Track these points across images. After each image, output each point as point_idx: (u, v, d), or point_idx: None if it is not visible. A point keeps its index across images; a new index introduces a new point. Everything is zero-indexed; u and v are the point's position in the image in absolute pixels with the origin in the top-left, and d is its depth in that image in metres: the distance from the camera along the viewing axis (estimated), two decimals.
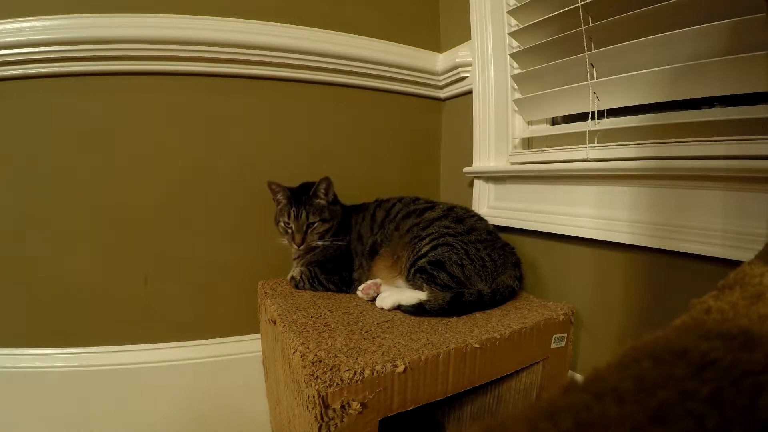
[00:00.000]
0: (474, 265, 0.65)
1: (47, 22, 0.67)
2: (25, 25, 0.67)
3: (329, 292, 0.72)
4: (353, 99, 0.92)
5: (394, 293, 0.65)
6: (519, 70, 0.78)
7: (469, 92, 0.88)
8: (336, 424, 0.41)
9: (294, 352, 0.48)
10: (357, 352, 0.47)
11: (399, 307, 0.63)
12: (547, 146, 0.77)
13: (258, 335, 0.84)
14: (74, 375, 0.75)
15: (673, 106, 0.57)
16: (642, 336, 0.18)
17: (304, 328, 0.54)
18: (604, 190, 0.63)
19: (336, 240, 0.75)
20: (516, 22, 0.79)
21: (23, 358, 0.74)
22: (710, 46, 0.49)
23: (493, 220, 0.77)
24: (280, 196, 0.76)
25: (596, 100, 0.64)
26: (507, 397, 0.66)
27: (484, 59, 0.81)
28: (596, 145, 0.64)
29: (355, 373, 0.42)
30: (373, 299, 0.67)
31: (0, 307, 0.74)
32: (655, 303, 0.58)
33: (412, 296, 0.62)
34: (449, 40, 0.97)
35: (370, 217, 0.78)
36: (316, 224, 0.73)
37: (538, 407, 0.13)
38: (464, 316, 0.60)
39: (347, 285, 0.73)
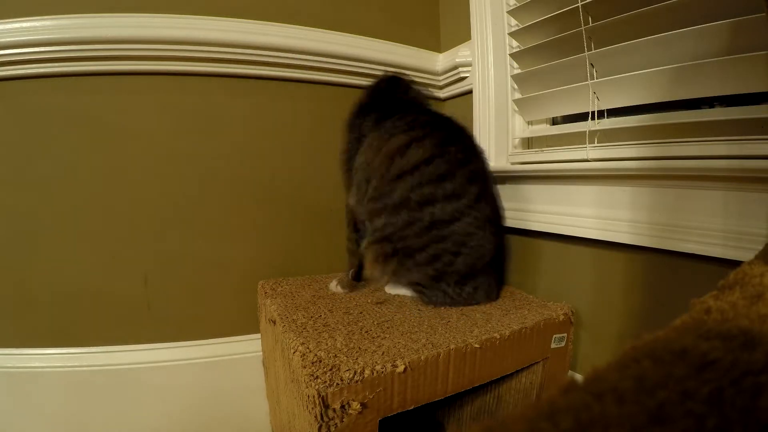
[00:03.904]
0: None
1: (47, 22, 0.67)
2: (25, 25, 0.67)
3: (329, 293, 0.73)
4: (353, 99, 0.92)
5: None
6: (519, 70, 0.78)
7: (469, 92, 0.88)
8: (336, 424, 0.41)
9: (294, 352, 0.48)
10: (357, 352, 0.47)
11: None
12: (547, 146, 0.77)
13: (258, 335, 0.84)
14: (74, 375, 0.75)
15: (673, 106, 0.57)
16: (642, 336, 0.18)
17: (304, 328, 0.54)
18: (604, 190, 0.63)
19: None
20: (516, 22, 0.79)
21: (23, 358, 0.74)
22: (710, 46, 0.49)
23: None
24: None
25: (596, 100, 0.64)
26: (507, 397, 0.66)
27: (484, 59, 0.81)
28: (596, 145, 0.64)
29: (355, 373, 0.42)
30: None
31: (0, 307, 0.74)
32: (655, 303, 0.58)
33: None
34: (449, 40, 0.97)
35: None
36: None
37: (538, 407, 0.13)
38: (464, 316, 0.60)
39: None
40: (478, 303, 0.65)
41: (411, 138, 0.62)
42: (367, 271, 0.69)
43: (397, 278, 0.67)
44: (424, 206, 0.59)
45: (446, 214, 0.59)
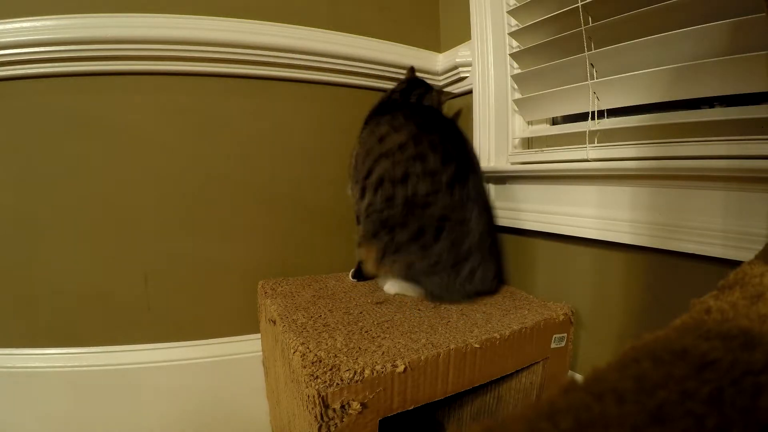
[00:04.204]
0: None
1: (47, 22, 0.67)
2: (25, 25, 0.67)
3: (329, 293, 0.73)
4: (353, 99, 0.92)
5: None
6: (519, 70, 0.78)
7: (469, 92, 0.88)
8: (336, 424, 0.41)
9: (294, 352, 0.48)
10: (357, 352, 0.47)
11: None
12: (547, 146, 0.77)
13: (258, 335, 0.84)
14: (74, 375, 0.75)
15: (673, 106, 0.57)
16: (642, 336, 0.18)
17: (304, 328, 0.54)
18: (604, 190, 0.63)
19: None
20: (516, 22, 0.79)
21: (23, 358, 0.74)
22: (710, 46, 0.49)
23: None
24: None
25: (596, 100, 0.64)
26: (507, 397, 0.66)
27: (484, 59, 0.81)
28: (596, 145, 0.64)
29: (355, 373, 0.42)
30: None
31: (0, 307, 0.74)
32: (655, 303, 0.58)
33: None
34: (449, 40, 0.97)
35: None
36: None
37: (538, 407, 0.13)
38: (464, 316, 0.60)
39: None
40: (476, 290, 0.65)
41: (391, 127, 0.67)
42: (360, 253, 0.71)
43: (387, 262, 0.66)
44: (397, 184, 0.64)
45: (422, 190, 0.62)
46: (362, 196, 0.69)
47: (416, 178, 0.62)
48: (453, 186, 0.62)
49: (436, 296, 0.65)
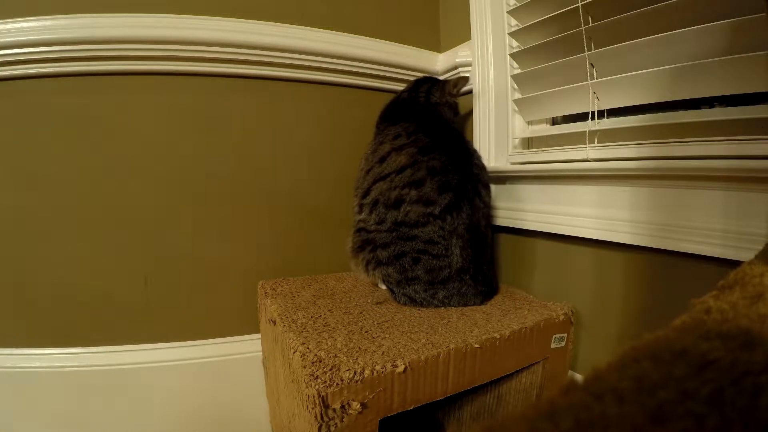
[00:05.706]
0: None
1: (47, 22, 0.67)
2: (25, 25, 0.67)
3: (329, 293, 0.73)
4: (353, 99, 0.92)
5: None
6: (519, 70, 0.78)
7: (469, 92, 0.88)
8: (336, 424, 0.41)
9: (294, 352, 0.48)
10: (357, 352, 0.47)
11: None
12: (547, 146, 0.77)
13: (258, 335, 0.84)
14: (74, 375, 0.75)
15: (673, 106, 0.57)
16: (642, 336, 0.18)
17: (304, 328, 0.54)
18: (605, 190, 0.63)
19: None
20: (516, 22, 0.79)
21: (23, 358, 0.74)
22: (710, 46, 0.49)
23: (493, 220, 0.77)
24: None
25: (596, 100, 0.64)
26: (507, 397, 0.66)
27: (484, 59, 0.81)
28: (596, 145, 0.64)
29: (355, 373, 0.42)
30: None
31: (0, 307, 0.74)
32: (655, 303, 0.58)
33: None
34: (449, 40, 0.97)
35: None
36: None
37: (538, 407, 0.13)
38: (464, 316, 0.60)
39: None
40: (457, 306, 0.65)
41: (392, 147, 0.68)
42: (351, 263, 0.73)
43: (370, 272, 0.68)
44: (390, 208, 0.65)
45: (412, 217, 0.63)
46: (359, 211, 0.72)
47: (409, 205, 0.63)
48: (444, 218, 0.62)
49: (405, 305, 0.66)
